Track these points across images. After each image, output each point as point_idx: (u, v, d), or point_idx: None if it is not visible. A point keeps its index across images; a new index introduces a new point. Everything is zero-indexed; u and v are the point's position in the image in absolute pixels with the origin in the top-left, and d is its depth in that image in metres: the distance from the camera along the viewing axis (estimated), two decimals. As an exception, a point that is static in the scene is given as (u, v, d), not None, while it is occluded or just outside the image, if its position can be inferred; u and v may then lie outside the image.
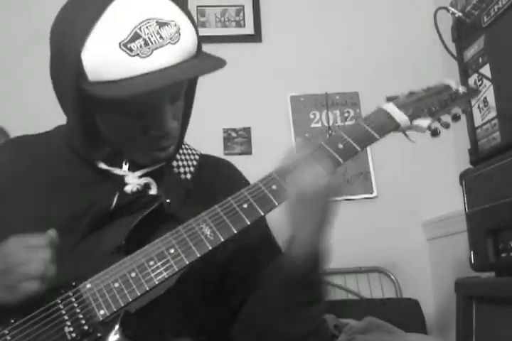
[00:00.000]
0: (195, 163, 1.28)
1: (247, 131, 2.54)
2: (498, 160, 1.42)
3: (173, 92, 1.09)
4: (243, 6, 2.67)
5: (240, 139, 2.52)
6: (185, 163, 1.26)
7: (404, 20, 2.68)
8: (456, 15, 1.62)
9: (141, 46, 0.97)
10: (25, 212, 1.14)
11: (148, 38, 0.97)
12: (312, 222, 1.03)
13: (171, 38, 0.99)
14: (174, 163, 1.25)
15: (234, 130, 2.53)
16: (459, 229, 2.06)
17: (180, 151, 1.28)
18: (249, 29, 2.65)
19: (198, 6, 2.58)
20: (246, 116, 2.55)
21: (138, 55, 0.97)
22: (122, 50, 0.96)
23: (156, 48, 0.98)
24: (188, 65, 1.02)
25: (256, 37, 2.65)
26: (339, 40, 2.67)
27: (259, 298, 1.13)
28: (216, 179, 1.23)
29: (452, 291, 1.59)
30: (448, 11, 1.64)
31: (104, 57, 0.98)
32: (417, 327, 2.04)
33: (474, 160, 1.61)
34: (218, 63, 1.04)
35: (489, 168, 1.46)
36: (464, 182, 1.58)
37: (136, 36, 0.97)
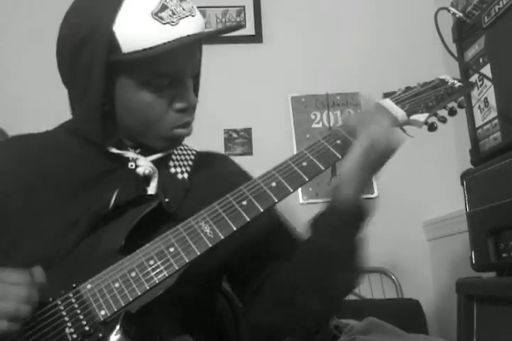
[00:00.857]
0: (191, 162, 1.29)
1: (248, 131, 2.54)
2: (499, 160, 1.42)
3: (193, 63, 1.16)
4: (244, 7, 2.67)
5: (240, 140, 2.52)
6: (181, 163, 1.27)
7: (405, 20, 2.68)
8: (457, 16, 1.62)
9: (170, 15, 1.06)
10: (28, 204, 1.15)
11: (174, 8, 1.08)
12: (367, 172, 1.07)
13: (190, 11, 1.10)
14: (170, 163, 1.25)
15: (235, 131, 2.53)
16: (460, 230, 2.06)
17: (175, 152, 1.29)
18: (250, 30, 2.65)
19: (198, 7, 2.57)
20: (247, 116, 2.55)
21: (168, 23, 1.06)
22: (154, 19, 1.05)
23: (182, 18, 1.08)
24: (207, 33, 1.14)
25: (257, 37, 2.65)
26: (340, 40, 2.67)
27: (294, 265, 1.15)
28: (213, 174, 1.25)
29: (453, 291, 1.59)
30: (449, 11, 1.64)
31: (138, 26, 1.06)
32: (418, 328, 2.03)
33: (475, 160, 1.61)
34: (236, 26, 1.15)
35: (490, 168, 1.46)
36: (464, 183, 1.58)
37: (164, 7, 1.07)
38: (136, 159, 1.18)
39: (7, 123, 1.84)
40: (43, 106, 2.33)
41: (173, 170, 1.24)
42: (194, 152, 1.34)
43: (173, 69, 1.11)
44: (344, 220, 1.09)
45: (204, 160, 1.33)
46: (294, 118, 2.57)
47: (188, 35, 1.07)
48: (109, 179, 1.17)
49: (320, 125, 2.56)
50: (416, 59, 2.60)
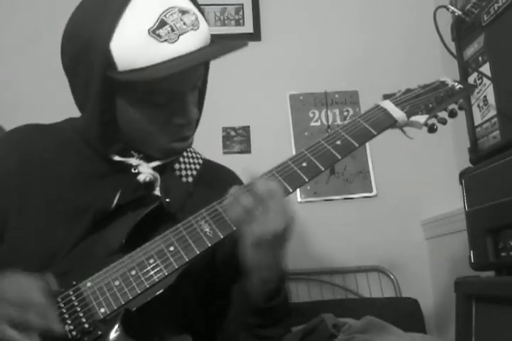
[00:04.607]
0: (198, 166, 1.29)
1: (246, 129, 2.53)
2: (498, 158, 1.42)
3: (195, 78, 1.13)
4: (242, 5, 2.67)
5: (239, 138, 2.51)
6: (187, 166, 1.27)
7: (404, 19, 2.68)
8: (456, 14, 1.62)
9: (168, 32, 1.02)
10: (26, 203, 1.15)
11: (174, 24, 1.03)
12: (270, 261, 1.05)
13: (192, 25, 1.05)
14: (176, 166, 1.25)
15: (233, 129, 2.53)
16: (458, 228, 2.06)
17: (185, 154, 1.29)
18: (248, 28, 2.65)
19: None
20: (245, 114, 2.55)
21: (166, 40, 1.02)
22: (152, 36, 1.01)
23: (182, 34, 1.03)
24: (210, 49, 1.09)
25: (255, 35, 2.64)
26: (339, 38, 2.67)
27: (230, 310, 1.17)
28: (217, 184, 1.24)
29: (451, 290, 1.59)
30: (448, 9, 1.64)
31: (134, 45, 1.02)
32: (417, 327, 2.03)
33: (474, 158, 1.61)
34: (239, 44, 1.09)
35: (489, 167, 1.46)
36: (463, 181, 1.57)
37: (163, 23, 1.02)
38: (138, 165, 1.18)
39: (8, 121, 1.84)
40: (43, 104, 2.32)
41: (178, 172, 1.24)
42: (202, 158, 1.34)
43: (171, 87, 1.08)
44: (254, 303, 1.09)
45: (211, 169, 1.34)
46: (292, 117, 2.56)
47: (188, 53, 1.04)
48: (112, 179, 1.18)
49: (318, 123, 2.56)
50: (415, 57, 2.60)
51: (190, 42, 1.04)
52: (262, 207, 1.01)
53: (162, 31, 1.01)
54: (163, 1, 1.04)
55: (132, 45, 1.02)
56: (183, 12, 1.05)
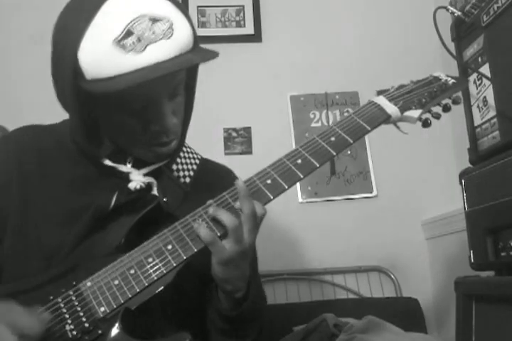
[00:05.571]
0: (195, 167, 1.30)
1: (248, 130, 2.54)
2: (498, 159, 1.42)
3: (170, 87, 1.11)
4: (243, 6, 2.67)
5: (240, 139, 2.52)
6: (185, 166, 1.28)
7: (404, 19, 2.69)
8: (456, 15, 1.62)
9: (134, 42, 0.99)
10: (25, 204, 1.15)
11: (141, 34, 1.00)
12: (237, 274, 1.07)
13: (163, 34, 1.02)
14: (174, 167, 1.26)
15: (234, 129, 2.53)
16: (458, 228, 2.07)
17: (181, 154, 1.29)
18: (249, 29, 2.65)
19: (198, 6, 2.59)
20: (246, 115, 2.55)
21: (132, 51, 0.99)
22: (117, 46, 0.99)
23: (149, 44, 1.00)
24: (181, 59, 1.04)
25: (256, 37, 2.65)
26: (339, 39, 2.68)
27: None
28: (215, 184, 1.24)
29: (452, 290, 1.59)
30: (447, 10, 1.64)
31: (99, 55, 1.00)
32: (417, 326, 2.03)
33: (474, 159, 1.61)
34: (210, 55, 1.06)
35: (489, 167, 1.46)
36: (463, 181, 1.58)
37: (129, 33, 0.99)
38: (129, 173, 1.18)
39: (9, 121, 1.85)
40: (44, 105, 2.33)
41: (175, 173, 1.25)
42: (199, 157, 1.34)
43: (141, 96, 1.07)
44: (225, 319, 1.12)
45: (208, 169, 1.34)
46: (293, 118, 2.57)
47: (155, 64, 1.00)
48: (108, 182, 1.18)
49: (319, 124, 2.56)
50: (414, 58, 2.60)
51: (159, 52, 1.01)
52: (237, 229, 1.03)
53: (127, 41, 0.99)
54: (134, 10, 1.02)
55: (97, 56, 1.00)
56: (155, 20, 1.02)
